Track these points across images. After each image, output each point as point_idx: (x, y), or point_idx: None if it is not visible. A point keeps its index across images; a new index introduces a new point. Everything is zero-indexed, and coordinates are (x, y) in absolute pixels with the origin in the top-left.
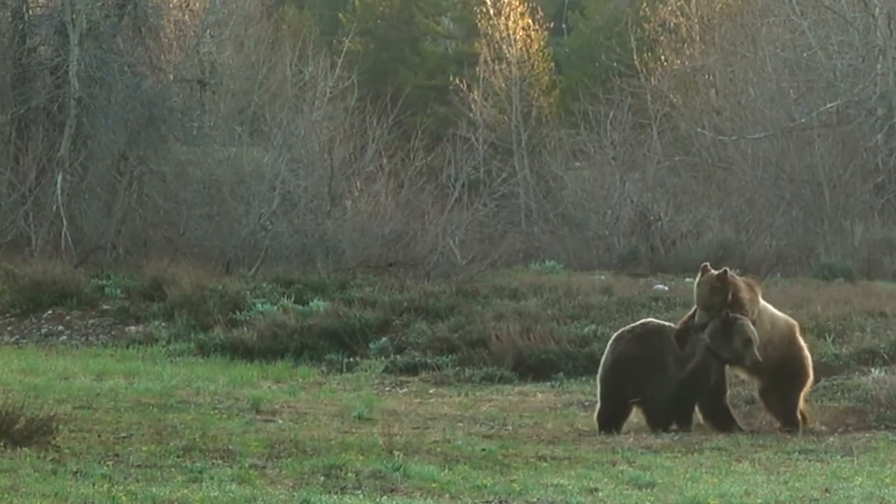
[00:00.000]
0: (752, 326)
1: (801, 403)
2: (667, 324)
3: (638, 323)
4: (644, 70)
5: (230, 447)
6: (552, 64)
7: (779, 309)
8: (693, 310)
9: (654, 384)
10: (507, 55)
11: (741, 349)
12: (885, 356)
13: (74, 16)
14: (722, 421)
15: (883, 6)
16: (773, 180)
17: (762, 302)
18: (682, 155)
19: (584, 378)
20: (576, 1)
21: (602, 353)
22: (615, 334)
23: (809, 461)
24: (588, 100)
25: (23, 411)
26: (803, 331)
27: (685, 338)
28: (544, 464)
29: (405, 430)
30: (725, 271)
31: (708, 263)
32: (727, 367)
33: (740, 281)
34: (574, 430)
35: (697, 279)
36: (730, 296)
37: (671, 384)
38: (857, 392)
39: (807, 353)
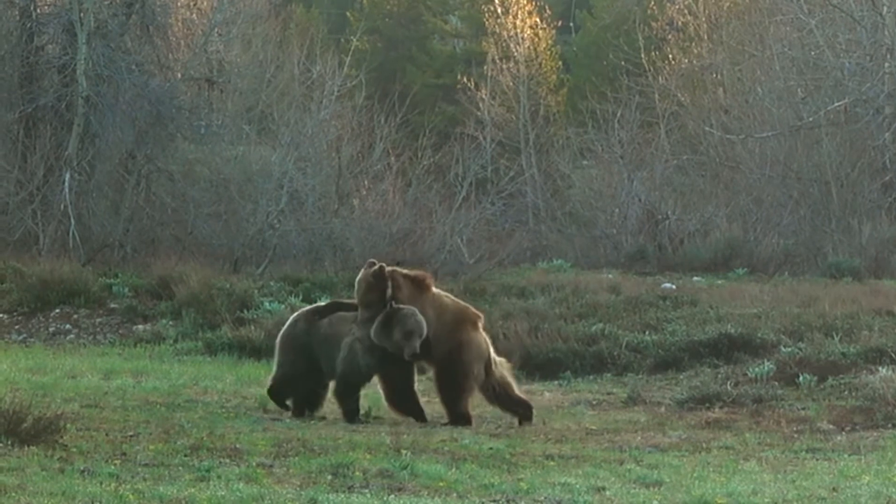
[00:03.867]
0: (417, 317)
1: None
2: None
3: (321, 304)
4: (652, 69)
5: (238, 446)
6: (560, 62)
7: (786, 308)
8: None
9: (293, 364)
10: (515, 54)
11: (401, 340)
12: (893, 355)
13: (82, 14)
14: (408, 408)
15: (891, 5)
16: (781, 179)
17: (436, 295)
18: (689, 154)
19: (591, 377)
20: None
21: (608, 352)
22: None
23: (817, 460)
24: (596, 98)
25: (30, 410)
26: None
27: (314, 318)
28: (552, 462)
29: (412, 429)
30: (381, 268)
31: (374, 260)
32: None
33: (402, 278)
34: (581, 429)
35: (360, 275)
36: (388, 292)
37: (304, 367)
38: (864, 391)
39: (472, 348)
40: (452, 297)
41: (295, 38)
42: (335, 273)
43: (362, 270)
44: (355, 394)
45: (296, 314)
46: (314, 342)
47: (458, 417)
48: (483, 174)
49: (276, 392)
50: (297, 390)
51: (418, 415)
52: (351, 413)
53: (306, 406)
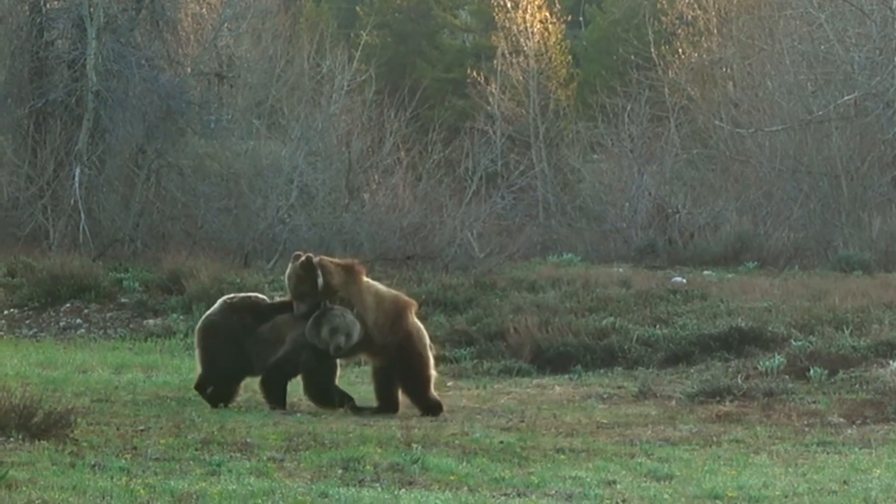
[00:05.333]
0: (347, 317)
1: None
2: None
3: (243, 294)
4: (661, 63)
5: (248, 440)
6: (570, 57)
7: (796, 301)
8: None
9: (228, 356)
10: (525, 48)
11: (327, 337)
12: None
13: (92, 9)
14: (327, 402)
15: None
16: (791, 173)
17: (368, 283)
18: (699, 147)
19: (602, 370)
20: None
21: (619, 346)
22: (222, 298)
23: (827, 453)
24: (605, 92)
25: (41, 404)
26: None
27: (266, 315)
28: (562, 456)
29: (423, 423)
30: (309, 258)
31: (300, 252)
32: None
33: (332, 265)
34: (592, 423)
35: (288, 269)
36: (319, 282)
37: (243, 361)
38: (875, 384)
39: (421, 335)
40: (384, 287)
41: (305, 33)
42: None
43: (290, 265)
44: (284, 385)
45: (229, 308)
46: (253, 341)
47: (430, 407)
48: (493, 168)
49: (203, 387)
50: (227, 385)
51: (331, 406)
52: (279, 402)
53: (225, 399)
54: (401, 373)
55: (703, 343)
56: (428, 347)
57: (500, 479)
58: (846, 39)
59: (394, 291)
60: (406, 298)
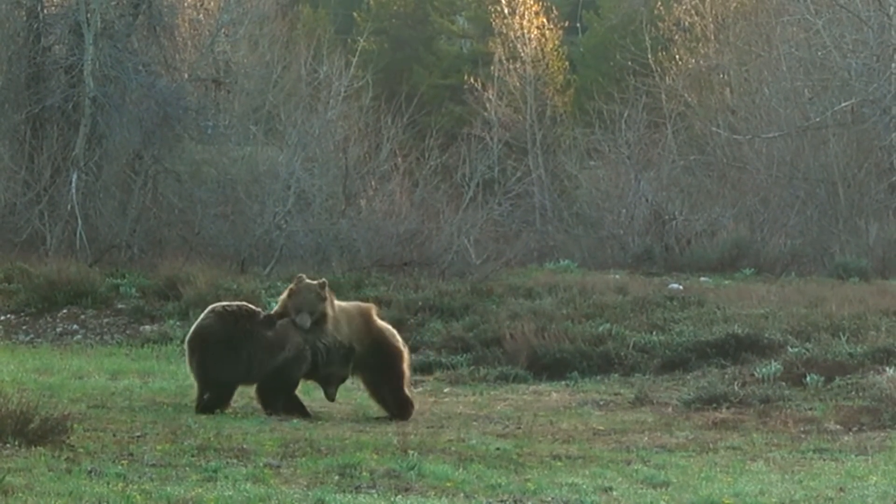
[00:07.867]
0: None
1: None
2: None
3: (235, 303)
4: (659, 69)
5: (245, 446)
6: (567, 63)
7: (793, 308)
8: (280, 306)
9: (220, 363)
10: (522, 54)
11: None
12: None
13: (89, 15)
14: (270, 404)
15: None
16: (788, 179)
17: (336, 303)
18: (696, 154)
19: (598, 377)
20: (590, 0)
21: (615, 352)
22: (210, 306)
23: (824, 460)
24: (603, 99)
25: (37, 410)
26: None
27: (271, 323)
28: (559, 463)
29: (419, 430)
30: (325, 282)
31: (303, 275)
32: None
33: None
34: (589, 429)
35: (296, 285)
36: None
37: (238, 369)
38: (871, 391)
39: (389, 332)
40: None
41: (302, 39)
42: (342, 274)
43: (302, 283)
44: (281, 393)
45: (224, 314)
46: (252, 347)
47: (403, 403)
48: (490, 175)
49: (222, 402)
50: (224, 391)
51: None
52: (276, 409)
53: (221, 405)
54: (380, 369)
55: (700, 350)
56: (402, 343)
57: (496, 485)
58: (843, 46)
59: (352, 302)
60: (365, 304)
